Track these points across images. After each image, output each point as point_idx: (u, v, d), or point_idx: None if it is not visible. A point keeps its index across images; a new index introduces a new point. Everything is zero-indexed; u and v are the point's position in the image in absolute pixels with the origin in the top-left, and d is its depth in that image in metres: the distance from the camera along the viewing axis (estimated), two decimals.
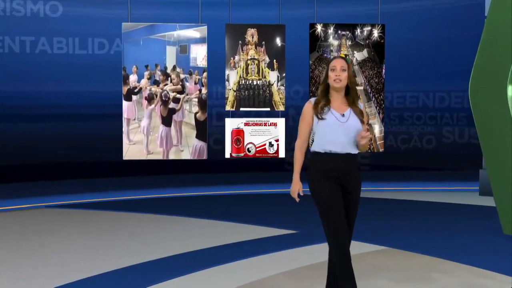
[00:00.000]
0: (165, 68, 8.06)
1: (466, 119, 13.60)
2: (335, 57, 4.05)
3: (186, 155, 8.19)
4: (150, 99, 8.08)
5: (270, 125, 8.20)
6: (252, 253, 5.90)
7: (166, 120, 8.13)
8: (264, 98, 8.15)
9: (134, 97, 8.08)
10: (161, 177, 12.19)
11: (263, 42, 8.15)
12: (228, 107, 8.18)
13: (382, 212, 8.41)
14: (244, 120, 8.19)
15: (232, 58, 8.14)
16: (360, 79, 8.24)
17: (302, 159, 4.00)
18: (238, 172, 12.37)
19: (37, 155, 12.14)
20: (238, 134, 8.15)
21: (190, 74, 8.11)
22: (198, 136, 8.19)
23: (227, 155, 8.21)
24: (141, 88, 8.07)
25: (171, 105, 8.12)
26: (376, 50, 8.34)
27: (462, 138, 13.77)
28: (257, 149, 8.18)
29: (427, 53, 13.30)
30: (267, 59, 8.16)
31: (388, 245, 6.18)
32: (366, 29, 8.35)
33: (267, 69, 8.15)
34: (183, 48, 8.10)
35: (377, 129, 8.35)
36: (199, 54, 8.11)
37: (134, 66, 8.03)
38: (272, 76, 8.16)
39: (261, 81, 8.16)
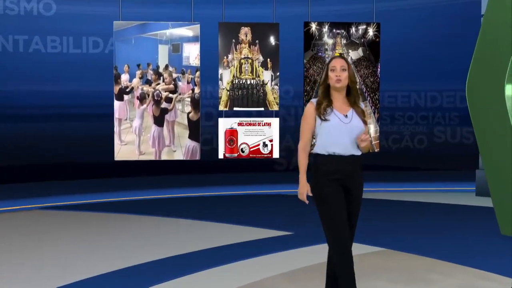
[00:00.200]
0: (157, 67, 7.95)
1: (458, 118, 13.58)
2: (334, 57, 3.97)
3: (179, 155, 8.08)
4: (142, 98, 7.96)
5: (264, 125, 8.11)
6: (248, 254, 5.84)
7: (159, 120, 8.02)
8: (258, 97, 8.06)
9: (125, 97, 7.97)
10: (153, 178, 12.07)
11: (257, 41, 8.06)
12: (221, 107, 8.08)
13: (379, 213, 8.34)
14: (238, 120, 8.10)
15: (225, 57, 8.05)
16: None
17: (306, 161, 3.90)
18: (232, 172, 12.27)
19: (24, 155, 11.98)
20: (232, 134, 8.06)
21: (183, 73, 8.00)
22: (190, 137, 8.09)
23: (221, 156, 8.11)
24: (132, 88, 7.95)
25: (164, 104, 8.01)
26: (371, 49, 8.27)
27: (454, 138, 13.75)
28: (251, 150, 8.09)
29: (419, 52, 13.26)
30: (261, 58, 8.06)
31: (387, 247, 6.13)
32: (361, 27, 8.28)
33: (261, 68, 8.06)
34: (176, 47, 7.99)
35: (372, 129, 8.28)
36: (191, 53, 8.00)
37: (126, 65, 7.91)
38: (266, 75, 8.07)
39: (254, 81, 8.06)
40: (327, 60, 8.00)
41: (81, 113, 12.40)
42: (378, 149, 8.37)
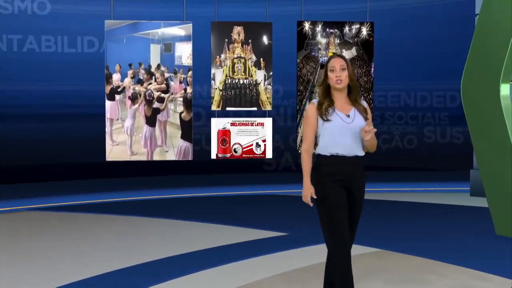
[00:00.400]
0: (149, 66, 7.89)
1: (448, 118, 13.60)
2: (332, 57, 3.86)
3: (171, 156, 8.02)
4: (133, 98, 7.89)
5: (257, 125, 8.06)
6: (244, 255, 5.81)
7: (150, 120, 7.96)
8: (251, 97, 8.01)
9: (117, 97, 7.89)
10: (145, 178, 11.99)
11: (250, 40, 8.01)
12: (214, 107, 8.02)
13: (375, 213, 8.29)
14: (231, 120, 8.04)
15: (218, 56, 7.99)
16: None
17: (310, 163, 3.81)
18: (225, 173, 12.21)
19: (14, 156, 11.86)
20: (224, 134, 8.00)
21: (175, 73, 7.94)
22: (183, 137, 8.03)
23: (213, 156, 8.06)
24: (124, 88, 7.88)
25: (156, 104, 7.94)
26: (365, 48, 8.25)
27: (444, 138, 13.76)
28: (244, 150, 8.04)
29: (411, 52, 13.27)
30: (254, 58, 8.02)
31: (382, 247, 6.10)
32: (355, 27, 8.25)
33: (253, 67, 8.02)
34: (168, 46, 7.93)
35: None
36: (184, 53, 7.94)
37: (117, 65, 7.84)
38: (259, 75, 8.02)
39: (247, 80, 8.01)
40: (321, 59, 7.98)
41: (73, 113, 12.33)
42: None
